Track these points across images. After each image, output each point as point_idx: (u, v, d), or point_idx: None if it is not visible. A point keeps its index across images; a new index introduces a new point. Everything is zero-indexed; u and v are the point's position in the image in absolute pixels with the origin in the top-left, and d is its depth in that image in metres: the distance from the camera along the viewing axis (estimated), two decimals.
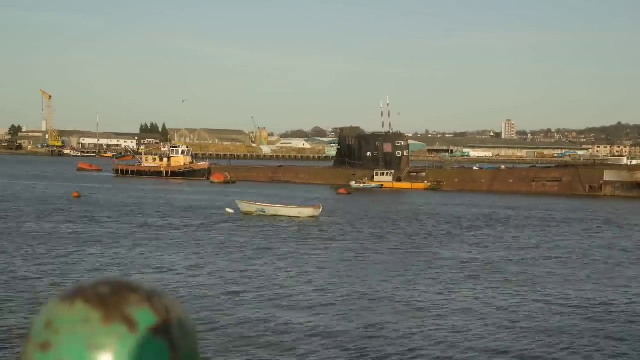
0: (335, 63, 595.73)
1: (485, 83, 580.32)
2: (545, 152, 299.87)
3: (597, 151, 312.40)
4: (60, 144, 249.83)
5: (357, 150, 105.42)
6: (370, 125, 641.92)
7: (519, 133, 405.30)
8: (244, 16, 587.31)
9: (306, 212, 52.03)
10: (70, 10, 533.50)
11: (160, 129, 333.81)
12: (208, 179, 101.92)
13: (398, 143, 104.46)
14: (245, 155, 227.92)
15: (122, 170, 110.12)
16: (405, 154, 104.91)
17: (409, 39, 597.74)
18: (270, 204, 55.25)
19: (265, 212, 52.15)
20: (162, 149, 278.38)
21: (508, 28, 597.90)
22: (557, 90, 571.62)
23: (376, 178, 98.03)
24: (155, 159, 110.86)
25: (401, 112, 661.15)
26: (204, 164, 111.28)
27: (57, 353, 1.10)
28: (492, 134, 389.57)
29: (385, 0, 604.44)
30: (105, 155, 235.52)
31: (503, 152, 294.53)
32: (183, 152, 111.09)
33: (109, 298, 1.14)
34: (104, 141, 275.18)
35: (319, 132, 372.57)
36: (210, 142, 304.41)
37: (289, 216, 50.99)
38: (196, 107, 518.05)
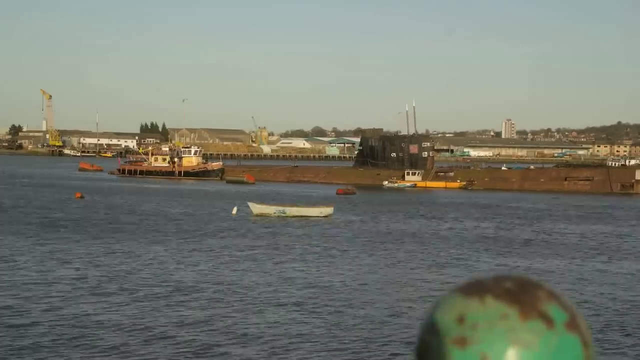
0: (335, 63, 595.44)
1: (485, 83, 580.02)
2: (546, 151, 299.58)
3: (598, 150, 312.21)
4: (60, 143, 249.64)
5: (381, 151, 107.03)
6: (372, 124, 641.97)
7: (519, 132, 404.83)
8: (245, 16, 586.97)
9: (325, 211, 52.78)
10: (71, 10, 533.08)
11: (160, 129, 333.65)
12: (222, 178, 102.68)
13: (424, 144, 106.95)
14: (245, 155, 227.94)
15: (128, 171, 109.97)
16: (430, 154, 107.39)
17: (408, 39, 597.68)
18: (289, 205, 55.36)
19: (286, 213, 51.93)
20: (163, 148, 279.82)
21: (508, 28, 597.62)
22: (557, 89, 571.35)
23: (407, 178, 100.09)
24: (165, 159, 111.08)
25: (401, 111, 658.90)
26: (218, 164, 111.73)
27: (479, 349, 1.11)
28: (492, 133, 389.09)
29: (385, 1, 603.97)
30: (105, 155, 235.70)
31: (503, 152, 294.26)
32: (195, 153, 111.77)
33: (519, 294, 1.14)
34: (104, 141, 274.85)
35: (318, 132, 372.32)
36: (211, 141, 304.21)
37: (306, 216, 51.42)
38: (196, 107, 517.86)
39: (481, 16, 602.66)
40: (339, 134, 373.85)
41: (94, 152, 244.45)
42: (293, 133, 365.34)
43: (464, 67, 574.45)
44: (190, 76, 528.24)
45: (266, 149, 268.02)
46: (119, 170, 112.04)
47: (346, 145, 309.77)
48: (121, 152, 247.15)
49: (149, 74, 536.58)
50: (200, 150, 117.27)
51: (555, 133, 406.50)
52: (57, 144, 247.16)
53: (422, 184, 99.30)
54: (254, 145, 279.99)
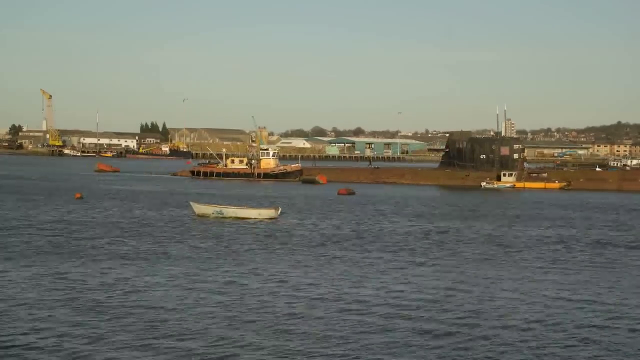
0: (335, 62, 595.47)
1: (485, 82, 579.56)
2: (546, 151, 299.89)
3: (598, 150, 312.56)
4: (60, 143, 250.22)
5: (469, 153, 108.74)
6: (372, 124, 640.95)
7: (519, 132, 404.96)
8: (245, 16, 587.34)
9: (265, 213, 51.16)
10: (71, 10, 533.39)
11: (160, 129, 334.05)
12: (299, 180, 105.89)
13: (515, 146, 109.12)
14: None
15: (204, 173, 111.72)
16: (521, 156, 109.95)
17: (408, 39, 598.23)
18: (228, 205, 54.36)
19: (223, 214, 50.73)
20: (163, 148, 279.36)
21: (508, 28, 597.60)
22: (556, 89, 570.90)
23: (503, 179, 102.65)
24: (242, 161, 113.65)
25: (401, 111, 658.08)
26: (297, 166, 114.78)
27: None
28: (492, 133, 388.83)
29: (384, 1, 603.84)
30: (105, 154, 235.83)
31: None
32: (273, 155, 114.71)
33: None
34: (104, 141, 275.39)
35: (318, 132, 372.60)
36: (211, 141, 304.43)
37: (248, 218, 49.92)
38: (196, 106, 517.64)
39: (481, 16, 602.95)
40: (338, 133, 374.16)
41: (94, 152, 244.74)
42: (293, 133, 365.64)
43: (464, 67, 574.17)
44: (190, 76, 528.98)
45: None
46: (191, 172, 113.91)
47: (346, 145, 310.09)
48: (121, 152, 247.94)
49: (149, 74, 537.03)
50: (277, 152, 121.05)
51: (555, 133, 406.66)
52: (57, 143, 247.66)
53: (520, 184, 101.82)
54: (254, 145, 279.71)
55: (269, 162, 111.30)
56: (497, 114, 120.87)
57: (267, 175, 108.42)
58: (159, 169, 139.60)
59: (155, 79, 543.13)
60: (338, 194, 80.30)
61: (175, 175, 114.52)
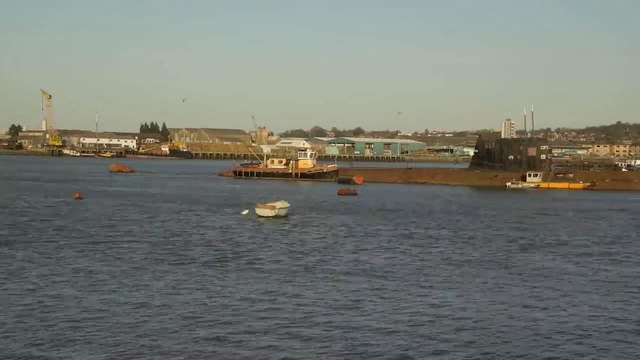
0: (335, 62, 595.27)
1: (486, 83, 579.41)
2: None
3: (597, 150, 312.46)
4: (60, 143, 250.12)
5: (498, 154, 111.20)
6: (372, 124, 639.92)
7: (519, 132, 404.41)
8: (245, 16, 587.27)
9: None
10: (70, 10, 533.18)
11: (160, 129, 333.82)
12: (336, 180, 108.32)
13: (542, 147, 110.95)
14: (245, 155, 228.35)
15: (245, 173, 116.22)
16: (548, 157, 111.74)
17: (407, 39, 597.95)
18: None
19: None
20: (162, 148, 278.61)
21: (507, 28, 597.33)
22: (556, 89, 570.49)
23: (529, 179, 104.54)
24: (281, 161, 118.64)
25: (401, 112, 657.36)
26: (333, 167, 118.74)
27: None
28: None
29: (384, 2, 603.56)
30: (104, 155, 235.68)
31: None
32: (311, 156, 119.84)
33: None
34: (104, 141, 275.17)
35: (318, 132, 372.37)
36: (211, 141, 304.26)
37: None
38: (196, 106, 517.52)
39: (480, 16, 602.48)
40: (338, 133, 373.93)
41: (93, 152, 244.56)
42: (293, 133, 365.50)
43: (464, 68, 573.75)
44: (191, 76, 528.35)
45: (266, 149, 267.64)
46: (234, 172, 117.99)
47: (346, 145, 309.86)
48: (121, 152, 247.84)
49: (149, 74, 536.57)
50: (315, 154, 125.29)
51: (555, 133, 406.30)
52: (56, 143, 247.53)
53: (545, 184, 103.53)
54: (253, 145, 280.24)
55: (306, 163, 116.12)
56: (525, 115, 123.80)
57: (304, 175, 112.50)
58: (197, 169, 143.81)
59: (155, 79, 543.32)
60: (338, 194, 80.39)
61: (221, 176, 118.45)
